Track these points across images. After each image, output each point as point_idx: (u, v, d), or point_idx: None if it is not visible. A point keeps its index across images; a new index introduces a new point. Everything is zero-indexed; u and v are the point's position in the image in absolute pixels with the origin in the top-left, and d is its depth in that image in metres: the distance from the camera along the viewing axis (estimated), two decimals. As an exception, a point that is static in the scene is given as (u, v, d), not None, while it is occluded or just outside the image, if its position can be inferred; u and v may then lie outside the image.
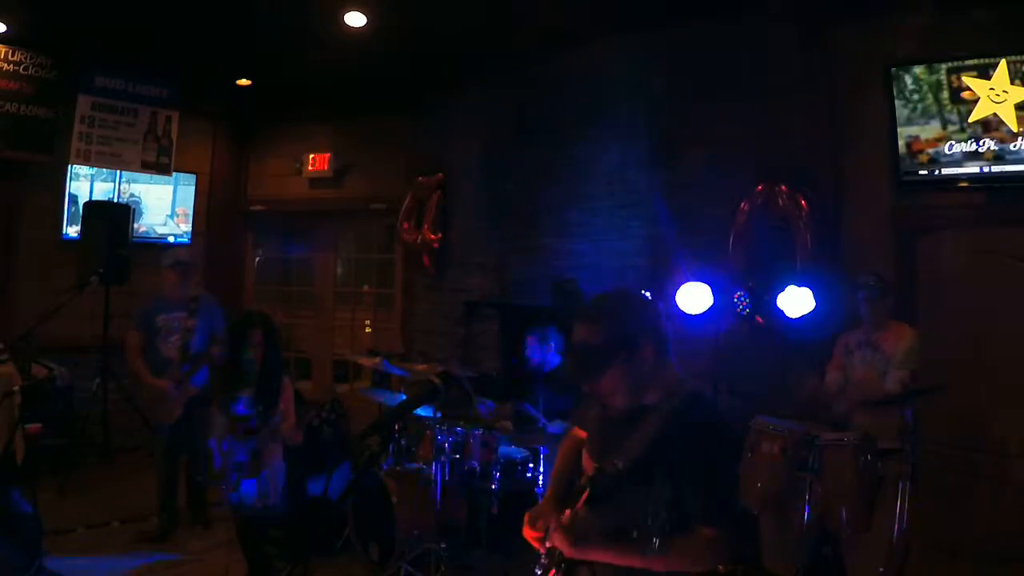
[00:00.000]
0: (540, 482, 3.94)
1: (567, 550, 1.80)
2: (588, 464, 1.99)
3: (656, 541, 1.69)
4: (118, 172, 6.82)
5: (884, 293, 3.71)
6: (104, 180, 6.80)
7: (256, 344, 3.61)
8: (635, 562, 1.74)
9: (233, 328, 3.77)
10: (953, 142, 3.94)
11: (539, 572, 1.88)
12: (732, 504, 1.81)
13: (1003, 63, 3.76)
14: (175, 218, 7.25)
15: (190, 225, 7.32)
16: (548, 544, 1.88)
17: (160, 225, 7.16)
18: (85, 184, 6.69)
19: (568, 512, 1.85)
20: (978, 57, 3.81)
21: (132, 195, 6.95)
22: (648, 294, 4.46)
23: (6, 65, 5.93)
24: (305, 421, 3.96)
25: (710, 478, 1.73)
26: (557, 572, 1.87)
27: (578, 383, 1.93)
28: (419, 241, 6.61)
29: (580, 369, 1.87)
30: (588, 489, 1.83)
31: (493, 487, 4.03)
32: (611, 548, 1.78)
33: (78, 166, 6.56)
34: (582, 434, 2.15)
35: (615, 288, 2.06)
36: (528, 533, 1.96)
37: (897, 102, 4.04)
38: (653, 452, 1.73)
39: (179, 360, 4.42)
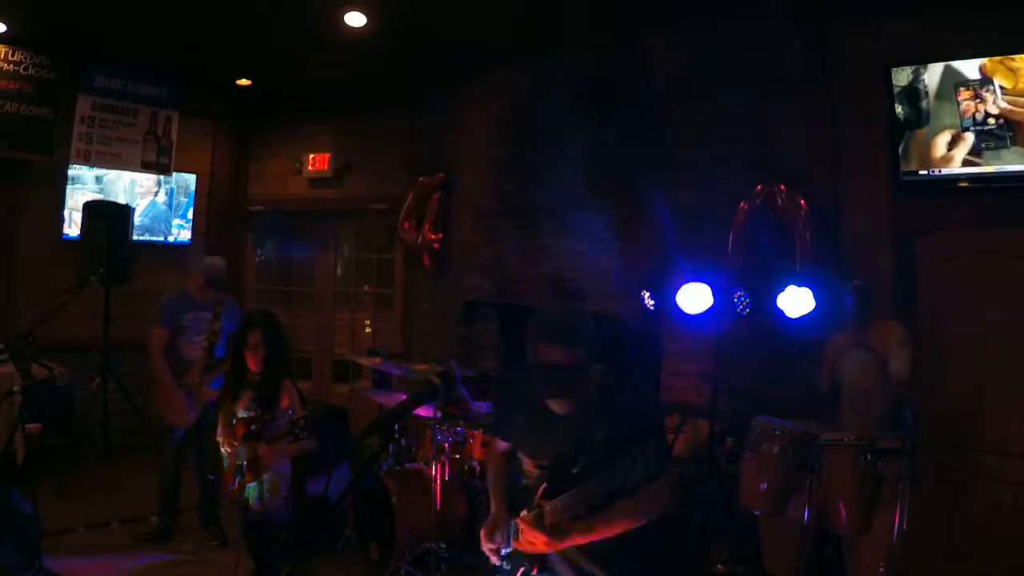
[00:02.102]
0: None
1: (545, 546, 1.87)
2: (529, 465, 2.10)
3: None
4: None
5: (870, 294, 3.69)
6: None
7: (256, 346, 3.57)
8: (606, 532, 1.90)
9: (236, 329, 3.75)
10: (953, 142, 3.94)
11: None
12: (661, 451, 2.00)
13: (1002, 63, 3.77)
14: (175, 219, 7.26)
15: (190, 226, 7.32)
16: (513, 548, 1.97)
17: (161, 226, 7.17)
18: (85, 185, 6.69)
19: (529, 513, 1.93)
20: (978, 57, 3.81)
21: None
22: (648, 296, 4.46)
23: (6, 65, 5.93)
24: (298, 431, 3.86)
25: (641, 442, 1.91)
26: (529, 571, 1.95)
27: (556, 399, 2.00)
28: (419, 241, 6.60)
29: (560, 388, 1.96)
30: (545, 483, 1.93)
31: (493, 487, 4.03)
32: (584, 527, 1.89)
33: (78, 166, 6.56)
34: (505, 445, 2.26)
35: (568, 306, 2.18)
36: (487, 547, 2.04)
37: (897, 102, 4.04)
38: (589, 433, 1.89)
39: (203, 362, 4.39)
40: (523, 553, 1.94)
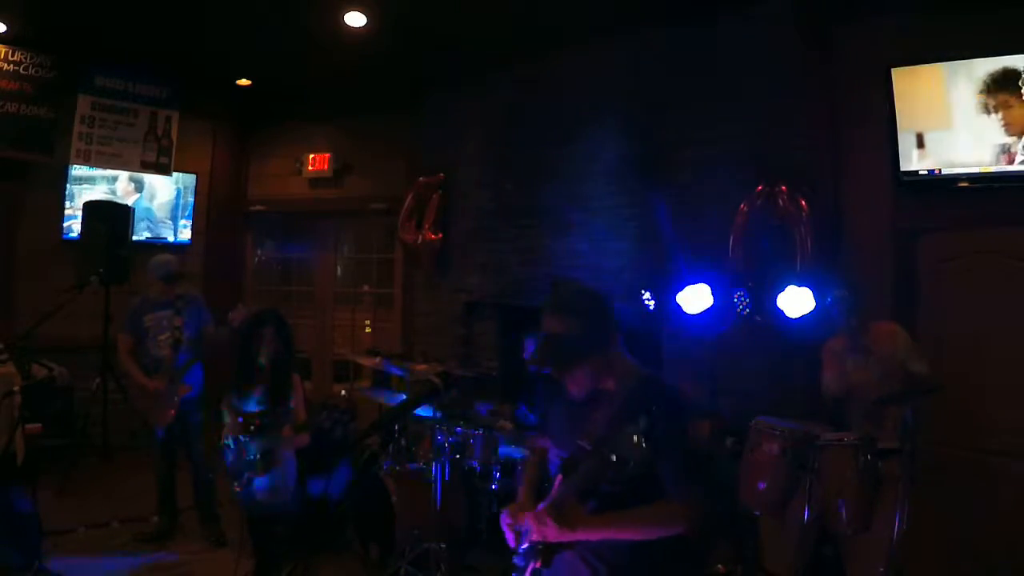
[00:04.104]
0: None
1: (553, 535, 1.85)
2: (555, 458, 2.09)
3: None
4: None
5: (853, 303, 3.65)
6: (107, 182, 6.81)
7: (268, 341, 3.62)
8: (616, 533, 1.87)
9: (245, 326, 3.78)
10: (953, 142, 3.94)
11: (520, 564, 1.97)
12: (690, 474, 1.92)
13: (1003, 63, 3.76)
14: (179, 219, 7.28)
15: (190, 226, 7.33)
16: (529, 539, 1.94)
17: (162, 226, 7.17)
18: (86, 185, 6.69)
19: (545, 502, 1.92)
20: (978, 57, 3.81)
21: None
22: (648, 296, 4.45)
23: (6, 65, 5.93)
24: (313, 424, 3.96)
25: (668, 452, 1.84)
26: (536, 562, 1.93)
27: (550, 371, 2.03)
28: (419, 241, 6.61)
29: (554, 359, 1.99)
30: (561, 473, 1.92)
31: (493, 487, 4.03)
32: (594, 522, 1.86)
33: (78, 166, 6.56)
34: (544, 443, 2.25)
35: (582, 284, 2.19)
36: (505, 522, 2.03)
37: (897, 102, 4.04)
38: (614, 430, 1.82)
39: (172, 358, 4.41)
40: (535, 548, 1.94)
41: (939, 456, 3.77)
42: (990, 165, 3.85)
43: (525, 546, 1.96)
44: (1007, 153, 3.80)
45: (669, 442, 1.84)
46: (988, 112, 3.84)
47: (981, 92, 3.84)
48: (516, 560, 1.99)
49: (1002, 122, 3.81)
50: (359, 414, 5.92)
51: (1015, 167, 3.78)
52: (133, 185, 6.99)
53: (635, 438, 1.72)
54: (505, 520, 2.03)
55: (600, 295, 2.06)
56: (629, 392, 1.91)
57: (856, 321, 3.63)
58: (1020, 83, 3.75)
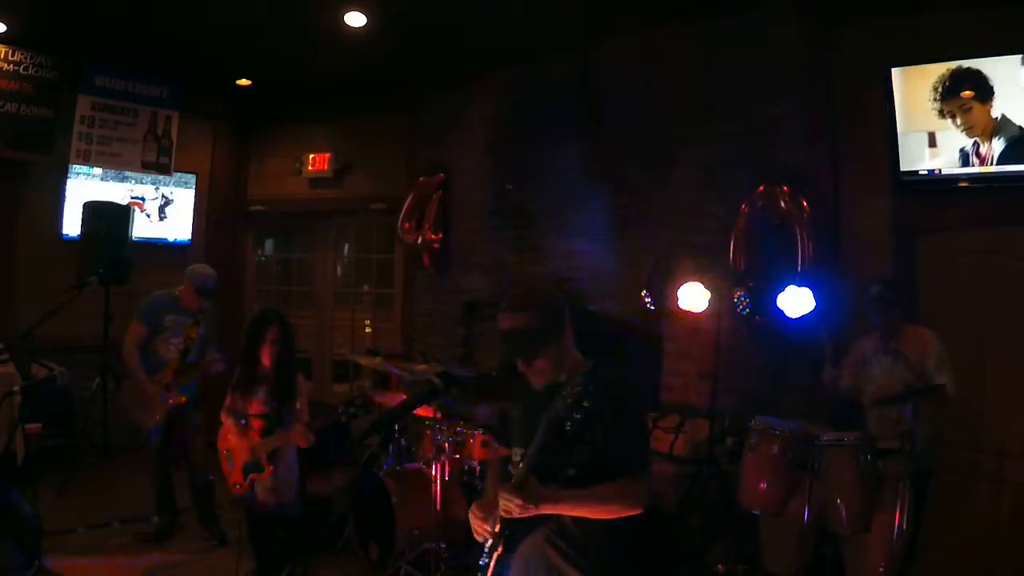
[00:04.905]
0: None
1: (518, 510, 1.90)
2: (518, 456, 2.15)
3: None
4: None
5: (895, 300, 3.59)
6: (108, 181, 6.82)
7: (272, 342, 3.62)
8: (578, 509, 1.95)
9: (249, 327, 3.77)
10: (953, 142, 3.94)
11: (486, 560, 2.02)
12: (643, 454, 2.10)
13: (1004, 63, 3.76)
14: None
15: (190, 225, 7.33)
16: (496, 526, 2.01)
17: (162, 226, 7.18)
18: (87, 184, 6.69)
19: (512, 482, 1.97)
20: (979, 57, 3.81)
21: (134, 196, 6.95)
22: (648, 296, 4.48)
23: (6, 65, 5.93)
24: (330, 418, 3.95)
25: (622, 432, 1.97)
26: (495, 547, 2.00)
27: (517, 361, 2.15)
28: (419, 241, 6.61)
29: (519, 349, 2.12)
30: (526, 460, 1.98)
31: (493, 487, 4.03)
32: (556, 497, 1.93)
33: (79, 166, 6.56)
34: (504, 452, 2.31)
35: (531, 287, 2.28)
36: (471, 515, 2.11)
37: (897, 102, 4.04)
38: (573, 415, 1.91)
39: (176, 365, 4.38)
40: (501, 531, 1.98)
41: (939, 456, 3.77)
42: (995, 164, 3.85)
43: (490, 541, 2.01)
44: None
45: (620, 423, 1.97)
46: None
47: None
48: (484, 558, 2.03)
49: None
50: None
51: (1015, 167, 3.77)
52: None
53: (570, 400, 1.86)
54: (476, 514, 2.09)
55: (547, 293, 2.24)
56: (583, 379, 1.99)
57: (891, 322, 3.57)
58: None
